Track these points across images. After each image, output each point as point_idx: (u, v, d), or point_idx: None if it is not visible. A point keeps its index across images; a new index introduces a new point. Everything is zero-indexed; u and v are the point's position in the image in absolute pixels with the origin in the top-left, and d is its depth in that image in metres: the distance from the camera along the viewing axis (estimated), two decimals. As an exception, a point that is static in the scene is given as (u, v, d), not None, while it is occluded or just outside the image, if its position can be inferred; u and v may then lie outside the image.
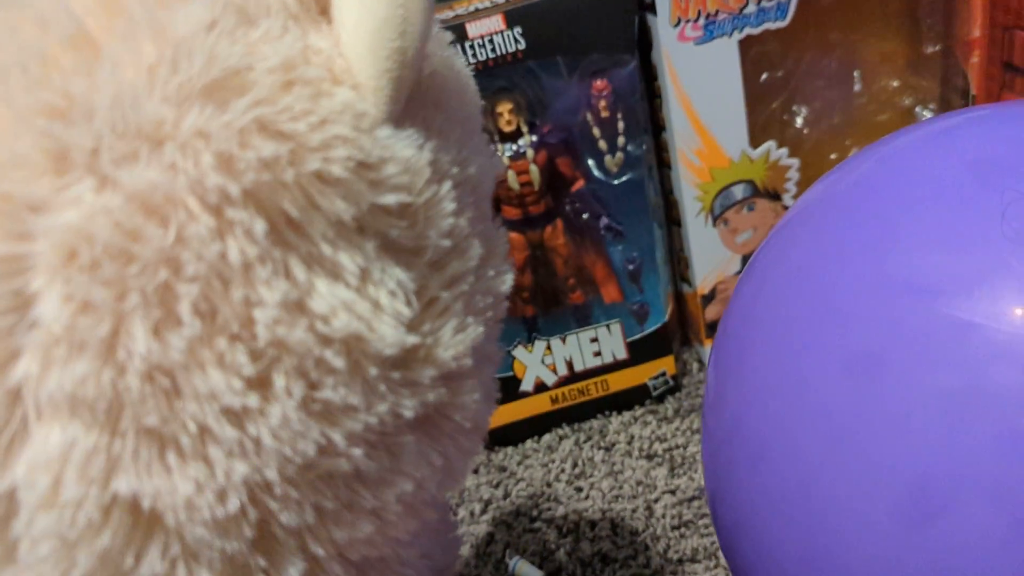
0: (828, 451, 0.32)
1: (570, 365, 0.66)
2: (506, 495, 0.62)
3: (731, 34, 0.60)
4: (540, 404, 0.67)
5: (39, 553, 0.21)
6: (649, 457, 0.62)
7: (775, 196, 0.65)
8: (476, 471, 0.65)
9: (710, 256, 0.66)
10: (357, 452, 0.23)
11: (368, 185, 0.22)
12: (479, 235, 0.26)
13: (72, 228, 0.19)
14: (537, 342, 0.65)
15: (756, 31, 0.60)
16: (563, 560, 0.55)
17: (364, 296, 0.22)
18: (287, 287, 0.21)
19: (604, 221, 0.64)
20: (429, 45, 0.25)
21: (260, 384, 0.21)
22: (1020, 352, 0.28)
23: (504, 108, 0.59)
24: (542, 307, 0.66)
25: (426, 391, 0.24)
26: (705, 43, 0.60)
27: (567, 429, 0.68)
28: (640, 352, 0.67)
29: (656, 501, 0.58)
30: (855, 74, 0.67)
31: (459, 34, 0.56)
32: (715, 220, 0.65)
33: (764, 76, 0.65)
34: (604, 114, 0.61)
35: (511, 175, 0.61)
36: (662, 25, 0.59)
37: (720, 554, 0.53)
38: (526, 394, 0.67)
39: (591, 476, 0.62)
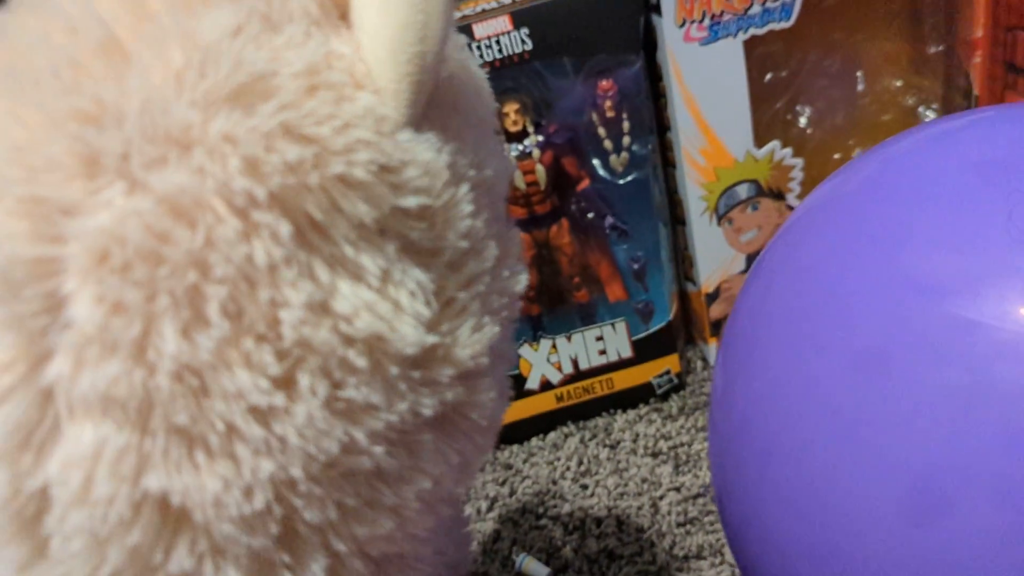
0: (835, 447, 0.32)
1: (575, 363, 0.67)
2: (512, 493, 0.62)
3: (736, 35, 0.60)
4: (545, 402, 0.67)
5: (71, 549, 0.21)
6: (654, 455, 0.63)
7: (779, 195, 0.66)
8: (482, 469, 0.66)
9: (714, 255, 0.67)
10: (378, 450, 0.23)
11: (389, 188, 0.22)
12: (495, 236, 0.27)
13: (104, 231, 0.20)
14: (542, 340, 0.66)
15: (761, 32, 0.60)
16: (569, 557, 0.55)
17: (385, 297, 0.23)
18: (312, 288, 0.21)
19: (609, 220, 0.64)
20: (446, 49, 0.25)
21: (286, 383, 0.22)
22: (1025, 350, 0.28)
23: (510, 108, 0.60)
24: (547, 306, 0.66)
25: (444, 390, 0.25)
26: (710, 44, 0.60)
27: (572, 427, 0.68)
28: (645, 350, 0.67)
29: (661, 498, 0.58)
30: (858, 74, 0.67)
31: (466, 35, 0.56)
32: (719, 219, 0.66)
33: (768, 76, 0.66)
34: (609, 114, 0.61)
35: (517, 175, 0.61)
36: (667, 26, 0.59)
37: (725, 550, 0.53)
38: (531, 392, 0.67)
39: (596, 474, 0.62)
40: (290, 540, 0.23)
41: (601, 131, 0.61)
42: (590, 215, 0.64)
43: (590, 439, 0.66)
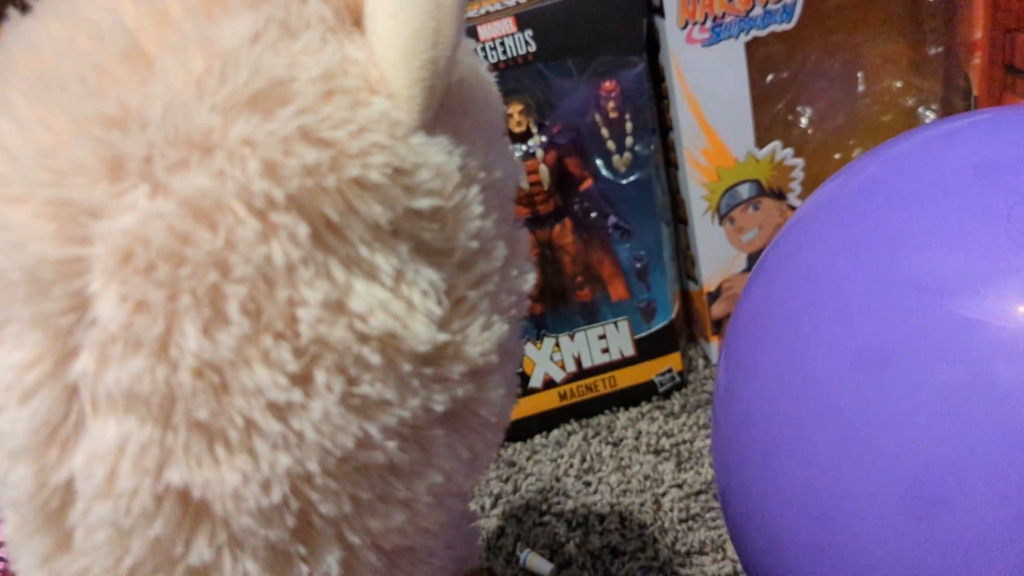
0: (836, 444, 0.32)
1: (578, 362, 0.67)
2: (516, 490, 0.63)
3: (737, 36, 0.61)
4: (549, 400, 0.68)
5: (95, 541, 0.22)
6: (656, 452, 0.63)
7: (780, 195, 0.66)
8: (486, 466, 0.66)
9: (716, 254, 0.67)
10: (391, 445, 0.24)
11: (403, 190, 0.23)
12: (503, 236, 0.27)
13: (128, 232, 0.20)
14: (546, 339, 0.67)
15: (762, 33, 0.61)
16: (573, 553, 0.56)
17: (399, 296, 0.23)
18: (328, 287, 0.22)
19: (612, 220, 0.65)
20: (458, 54, 0.26)
21: (303, 380, 0.22)
22: (1023, 349, 0.29)
23: (514, 109, 0.60)
24: (550, 304, 0.67)
25: (455, 386, 0.25)
26: (712, 45, 0.61)
27: (575, 425, 0.69)
28: (647, 349, 0.68)
29: (664, 495, 0.59)
30: (859, 75, 0.68)
31: (471, 36, 0.57)
32: (721, 219, 0.66)
33: (770, 77, 0.66)
34: (612, 115, 0.62)
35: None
36: (670, 27, 0.60)
37: (727, 546, 0.54)
38: (535, 390, 0.68)
39: (599, 471, 0.63)
40: (306, 532, 0.24)
41: (604, 131, 0.62)
42: (593, 215, 0.65)
43: (593, 436, 0.67)
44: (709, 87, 0.62)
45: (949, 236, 0.32)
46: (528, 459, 0.66)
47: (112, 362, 0.21)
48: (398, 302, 0.23)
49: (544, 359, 0.67)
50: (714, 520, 0.56)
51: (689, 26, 0.60)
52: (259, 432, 0.22)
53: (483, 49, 0.58)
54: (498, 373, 0.28)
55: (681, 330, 0.73)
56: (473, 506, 0.62)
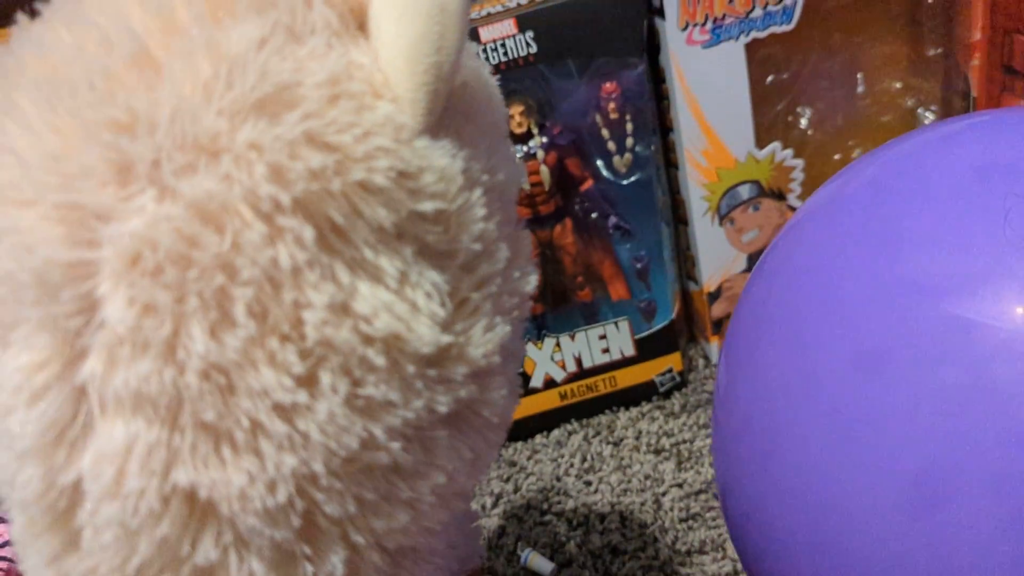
0: (836, 444, 0.33)
1: (579, 361, 0.68)
2: (516, 489, 0.63)
3: (737, 38, 0.61)
4: (549, 400, 0.68)
5: (102, 541, 0.22)
6: (657, 452, 0.64)
7: (780, 196, 0.67)
8: (487, 465, 0.66)
9: (716, 254, 0.68)
10: (395, 446, 0.24)
11: (407, 193, 0.23)
12: (506, 238, 0.27)
13: (136, 235, 0.21)
14: (546, 339, 0.67)
15: (762, 34, 0.61)
16: (574, 552, 0.56)
17: (403, 298, 0.23)
18: (333, 290, 0.22)
19: (612, 220, 0.65)
20: (461, 58, 0.26)
21: (308, 382, 0.22)
22: (1020, 350, 0.29)
23: (515, 110, 0.60)
24: (551, 304, 0.67)
25: (458, 387, 0.26)
26: (712, 46, 0.61)
27: (576, 424, 0.69)
28: (647, 349, 0.68)
29: (664, 494, 0.59)
30: (858, 76, 0.68)
31: (472, 38, 0.57)
32: (721, 219, 0.67)
33: (770, 78, 0.66)
34: (613, 116, 0.62)
35: (521, 175, 0.62)
36: (670, 29, 0.60)
37: (727, 545, 0.54)
38: (535, 390, 0.68)
39: (600, 470, 0.63)
40: (311, 532, 0.24)
41: (604, 132, 0.62)
42: (593, 215, 0.65)
43: (593, 436, 0.67)
44: (709, 88, 0.62)
45: (948, 238, 0.32)
46: (529, 459, 0.66)
47: (120, 364, 0.21)
48: (402, 304, 0.23)
49: (545, 359, 0.67)
50: (714, 519, 0.56)
51: (689, 27, 0.60)
52: (265, 433, 0.22)
53: (484, 50, 0.58)
54: (500, 374, 0.28)
55: (681, 330, 0.73)
56: (474, 505, 0.62)
